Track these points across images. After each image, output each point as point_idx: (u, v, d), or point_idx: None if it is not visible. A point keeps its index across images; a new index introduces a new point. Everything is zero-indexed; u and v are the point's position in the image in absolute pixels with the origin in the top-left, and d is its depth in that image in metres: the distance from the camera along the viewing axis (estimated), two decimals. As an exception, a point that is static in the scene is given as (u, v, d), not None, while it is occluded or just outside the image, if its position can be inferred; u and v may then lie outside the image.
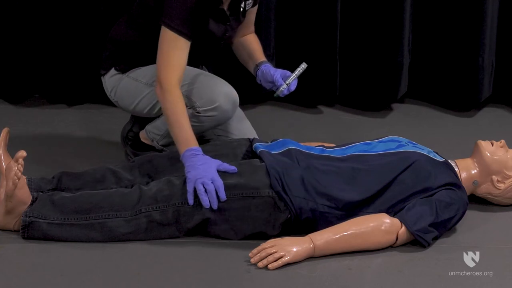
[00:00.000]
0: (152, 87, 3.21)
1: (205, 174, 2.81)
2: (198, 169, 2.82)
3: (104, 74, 3.38)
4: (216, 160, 2.89)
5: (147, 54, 3.18)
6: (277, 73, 3.20)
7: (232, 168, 2.87)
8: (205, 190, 2.79)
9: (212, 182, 2.80)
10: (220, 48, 3.36)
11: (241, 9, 3.22)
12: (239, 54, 3.39)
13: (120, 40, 3.30)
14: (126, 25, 3.29)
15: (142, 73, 3.28)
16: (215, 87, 3.16)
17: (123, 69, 3.32)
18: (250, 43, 3.36)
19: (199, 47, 3.21)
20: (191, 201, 2.79)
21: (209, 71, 3.47)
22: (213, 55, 3.43)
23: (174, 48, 3.02)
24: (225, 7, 3.17)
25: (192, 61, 3.19)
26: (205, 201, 2.78)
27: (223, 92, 3.16)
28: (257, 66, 3.27)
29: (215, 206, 2.79)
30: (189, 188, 2.80)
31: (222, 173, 2.84)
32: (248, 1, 3.24)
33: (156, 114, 3.32)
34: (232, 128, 3.38)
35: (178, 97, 2.98)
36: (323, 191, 2.86)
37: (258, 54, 3.33)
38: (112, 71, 3.34)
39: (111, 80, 3.35)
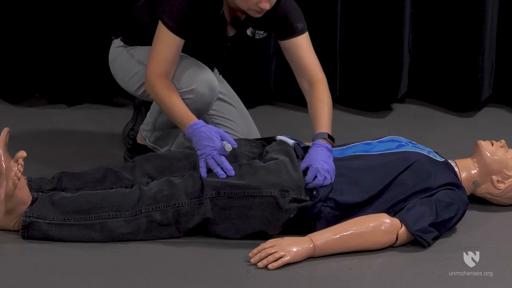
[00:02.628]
0: (142, 65, 3.23)
1: (212, 148, 2.87)
2: (204, 145, 2.88)
3: (113, 40, 3.40)
4: (218, 128, 2.94)
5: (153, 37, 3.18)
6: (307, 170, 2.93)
7: (232, 141, 2.92)
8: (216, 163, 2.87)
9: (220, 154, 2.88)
10: (227, 56, 3.35)
11: (250, 35, 3.21)
12: (308, 105, 3.19)
13: (135, 17, 3.30)
14: (144, 5, 3.28)
15: (139, 51, 3.29)
16: (193, 72, 3.15)
17: (128, 42, 3.32)
18: (312, 104, 3.13)
19: (202, 52, 3.22)
20: (204, 174, 2.85)
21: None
22: (224, 60, 3.41)
23: (164, 44, 3.06)
24: (229, 28, 3.18)
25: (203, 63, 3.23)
26: (220, 174, 2.84)
27: (201, 77, 3.16)
28: (313, 138, 3.04)
29: (232, 173, 2.84)
30: (201, 164, 2.87)
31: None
32: (259, 31, 3.21)
33: (142, 95, 3.31)
34: (237, 127, 3.38)
35: (163, 85, 3.04)
36: (323, 192, 2.87)
37: (317, 123, 3.07)
38: (118, 41, 3.35)
39: (114, 51, 3.37)
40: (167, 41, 3.05)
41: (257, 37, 3.23)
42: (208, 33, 3.16)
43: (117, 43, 3.36)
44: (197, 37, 3.16)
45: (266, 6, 2.96)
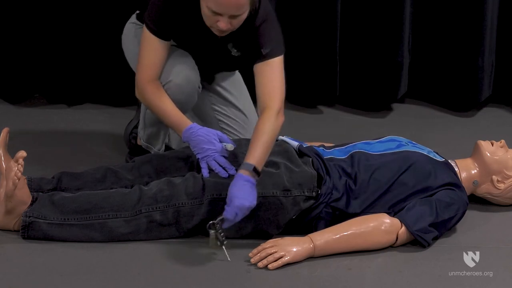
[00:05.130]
0: None
1: (212, 150, 2.86)
2: (204, 148, 2.87)
3: (134, 13, 3.38)
4: (215, 130, 2.93)
5: None
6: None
7: (230, 141, 2.92)
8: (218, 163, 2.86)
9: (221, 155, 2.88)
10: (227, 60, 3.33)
11: (229, 49, 3.16)
12: None
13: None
14: None
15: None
16: (171, 64, 3.11)
17: (140, 19, 3.27)
18: (253, 134, 2.91)
19: (198, 56, 3.21)
20: (206, 174, 2.85)
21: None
22: (223, 66, 3.40)
23: (149, 48, 3.04)
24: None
25: (200, 70, 3.21)
26: (223, 173, 2.84)
27: (177, 68, 3.11)
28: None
29: (233, 172, 2.83)
30: (203, 165, 2.86)
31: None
32: (234, 49, 3.12)
33: None
34: (239, 126, 3.38)
35: (152, 91, 3.02)
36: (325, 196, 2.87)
37: (248, 152, 2.84)
38: (134, 16, 3.33)
39: (127, 27, 3.36)
40: (151, 44, 3.03)
41: (233, 54, 3.18)
42: (194, 37, 3.13)
43: (132, 18, 3.35)
44: (186, 42, 3.14)
45: (223, 26, 2.85)
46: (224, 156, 2.89)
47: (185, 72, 3.13)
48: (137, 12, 3.34)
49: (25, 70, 4.15)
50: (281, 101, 2.95)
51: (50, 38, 4.09)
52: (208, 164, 2.87)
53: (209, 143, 2.88)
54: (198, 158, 2.89)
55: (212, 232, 2.71)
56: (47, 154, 3.54)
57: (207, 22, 2.92)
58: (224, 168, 2.86)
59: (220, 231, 2.70)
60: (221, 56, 3.20)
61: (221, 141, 2.91)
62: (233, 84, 3.45)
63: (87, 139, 3.77)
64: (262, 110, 2.94)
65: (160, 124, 3.28)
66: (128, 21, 3.38)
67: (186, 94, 3.14)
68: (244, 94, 3.49)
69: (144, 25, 3.04)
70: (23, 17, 4.07)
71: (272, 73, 2.98)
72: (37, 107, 4.16)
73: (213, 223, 2.70)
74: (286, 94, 4.39)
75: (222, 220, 2.70)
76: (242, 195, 2.71)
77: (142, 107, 3.33)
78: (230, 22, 2.86)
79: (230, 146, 2.90)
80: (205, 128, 2.94)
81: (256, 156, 2.80)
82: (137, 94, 3.08)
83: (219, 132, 2.94)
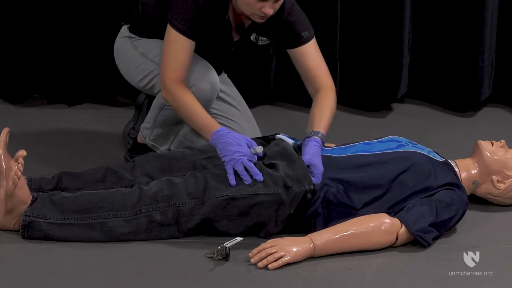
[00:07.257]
0: (144, 58, 3.24)
1: (240, 153, 2.84)
2: (231, 151, 2.85)
3: (122, 25, 3.39)
4: (244, 136, 2.93)
5: (161, 32, 3.16)
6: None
7: (258, 146, 2.90)
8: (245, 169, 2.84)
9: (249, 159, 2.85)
10: (233, 58, 3.35)
11: (253, 40, 3.21)
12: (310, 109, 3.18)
13: (145, 9, 3.28)
14: (157, 4, 3.23)
15: (143, 43, 3.29)
16: (194, 68, 3.14)
17: (134, 32, 3.31)
18: (314, 107, 3.14)
19: (206, 55, 3.22)
20: (233, 181, 2.81)
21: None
22: (228, 63, 3.42)
23: (176, 48, 3.06)
24: (234, 33, 3.18)
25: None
26: (247, 179, 2.82)
27: (201, 73, 3.15)
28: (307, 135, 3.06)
29: (260, 178, 2.82)
30: (229, 170, 2.83)
31: (225, 177, 2.85)
32: (262, 38, 3.21)
33: (144, 88, 3.32)
34: (239, 128, 3.38)
35: (183, 91, 3.03)
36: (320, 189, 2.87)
37: (314, 123, 3.07)
38: (125, 29, 3.35)
39: (120, 41, 3.37)
40: (179, 44, 3.05)
41: (260, 43, 3.23)
42: (213, 37, 3.17)
43: (123, 31, 3.36)
44: (202, 41, 3.16)
45: (270, 11, 2.98)
46: (252, 161, 2.87)
47: (209, 77, 3.15)
48: (128, 25, 3.35)
49: (25, 70, 4.15)
50: (331, 79, 3.21)
51: (50, 38, 4.09)
52: (234, 169, 2.83)
53: (237, 146, 2.86)
54: (224, 162, 2.86)
55: (220, 247, 2.71)
56: (47, 154, 3.54)
57: (247, 11, 2.99)
58: (250, 174, 2.84)
59: (229, 246, 2.71)
60: (243, 49, 3.25)
61: (249, 147, 2.90)
62: (224, 83, 3.45)
63: (87, 139, 3.77)
64: (318, 88, 3.17)
65: (171, 126, 3.30)
66: (119, 36, 3.39)
67: (207, 99, 3.17)
68: (235, 91, 3.51)
69: (170, 27, 3.05)
70: (23, 17, 4.07)
71: (317, 53, 3.24)
72: (37, 107, 4.16)
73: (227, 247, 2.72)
74: (285, 94, 4.41)
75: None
76: (312, 154, 2.91)
77: (153, 108, 3.32)
78: (273, 6, 2.98)
79: (260, 148, 2.88)
80: (235, 132, 2.95)
81: (323, 126, 3.04)
82: (163, 94, 3.08)
83: (248, 138, 2.93)
